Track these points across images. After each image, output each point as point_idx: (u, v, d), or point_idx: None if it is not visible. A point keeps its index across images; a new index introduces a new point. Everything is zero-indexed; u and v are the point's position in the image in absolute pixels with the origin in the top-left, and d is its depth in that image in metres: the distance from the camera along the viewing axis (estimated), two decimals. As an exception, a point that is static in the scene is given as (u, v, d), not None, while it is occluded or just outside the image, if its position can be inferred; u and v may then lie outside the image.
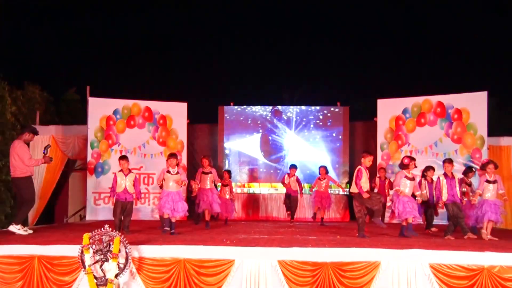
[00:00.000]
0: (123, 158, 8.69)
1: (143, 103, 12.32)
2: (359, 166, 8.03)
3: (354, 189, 7.97)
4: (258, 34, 16.76)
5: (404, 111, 11.93)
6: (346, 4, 16.82)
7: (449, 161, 8.60)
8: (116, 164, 10.89)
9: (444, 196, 8.22)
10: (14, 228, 7.72)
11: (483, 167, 8.37)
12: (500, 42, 15.32)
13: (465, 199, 8.82)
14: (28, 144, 8.46)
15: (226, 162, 13.33)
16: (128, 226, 8.39)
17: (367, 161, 8.01)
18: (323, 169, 10.96)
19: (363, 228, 7.93)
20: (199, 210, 9.81)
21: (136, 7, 16.71)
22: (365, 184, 7.89)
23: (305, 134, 13.24)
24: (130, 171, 8.58)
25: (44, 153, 8.33)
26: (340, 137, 13.09)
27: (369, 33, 16.27)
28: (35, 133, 8.47)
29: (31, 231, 8.04)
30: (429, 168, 9.28)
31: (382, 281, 6.00)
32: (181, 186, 8.45)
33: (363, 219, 7.98)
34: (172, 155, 8.51)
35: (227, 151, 13.37)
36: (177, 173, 8.30)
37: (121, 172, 8.49)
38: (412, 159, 8.38)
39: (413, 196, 8.21)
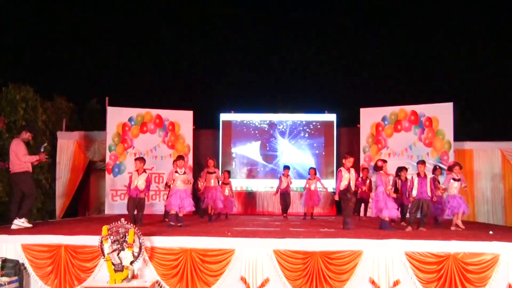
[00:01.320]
0: (138, 159, 8.58)
1: (154, 111, 12.34)
2: (340, 168, 8.02)
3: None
4: (256, 52, 16.91)
5: (383, 119, 11.99)
6: (331, 29, 16.99)
7: (422, 162, 8.61)
8: (130, 165, 10.93)
9: (414, 192, 8.25)
10: (19, 222, 7.39)
11: (451, 168, 8.45)
12: (465, 60, 15.58)
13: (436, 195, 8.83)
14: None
15: (233, 163, 13.29)
16: (141, 220, 8.30)
17: (347, 162, 8.00)
18: (313, 171, 10.95)
19: (348, 221, 7.96)
20: (204, 206, 9.78)
21: (150, 29, 16.80)
22: (345, 182, 7.88)
23: (297, 138, 13.24)
24: (144, 171, 8.47)
25: (40, 150, 8.04)
26: (327, 141, 13.09)
27: (352, 52, 16.40)
28: (33, 132, 8.25)
29: (30, 225, 7.68)
30: (402, 169, 9.24)
31: (364, 267, 6.05)
32: (189, 184, 8.44)
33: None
34: (180, 157, 8.44)
35: (233, 155, 13.34)
36: (184, 173, 8.26)
37: (135, 172, 8.45)
38: (384, 161, 8.41)
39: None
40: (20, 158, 7.59)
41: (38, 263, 6.33)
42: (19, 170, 7.62)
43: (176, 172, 8.26)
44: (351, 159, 8.07)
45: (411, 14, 16.33)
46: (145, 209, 8.54)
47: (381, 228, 7.96)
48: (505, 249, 5.99)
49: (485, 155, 11.69)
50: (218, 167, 12.08)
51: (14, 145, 7.68)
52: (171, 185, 8.36)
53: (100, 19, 16.20)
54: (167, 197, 8.64)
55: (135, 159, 8.66)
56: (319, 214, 12.27)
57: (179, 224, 8.12)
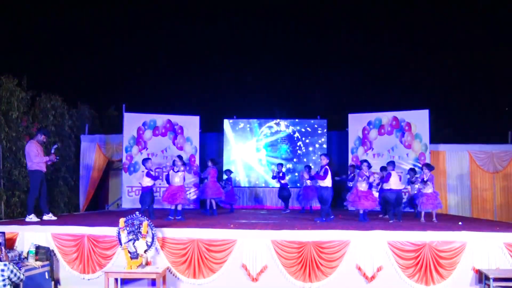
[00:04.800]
0: (146, 159, 8.62)
1: (165, 117, 12.29)
2: (326, 166, 7.98)
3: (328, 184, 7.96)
4: (257, 65, 16.98)
5: (369, 123, 11.96)
6: (320, 42, 17.07)
7: (392, 163, 8.66)
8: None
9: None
10: (28, 219, 7.34)
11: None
12: (442, 70, 15.74)
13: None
14: (45, 144, 7.99)
15: (235, 163, 13.15)
16: (153, 212, 8.26)
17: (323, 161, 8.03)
18: (307, 168, 10.93)
19: (330, 213, 7.98)
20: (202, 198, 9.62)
21: (162, 43, 16.86)
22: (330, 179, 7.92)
23: (292, 140, 13.19)
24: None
25: (52, 152, 7.88)
26: (319, 142, 13.01)
27: (341, 65, 16.46)
28: (47, 134, 8.12)
29: (54, 218, 7.66)
30: (384, 168, 9.07)
31: (351, 255, 6.08)
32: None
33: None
34: (178, 157, 8.42)
35: (236, 155, 13.18)
36: (178, 171, 8.22)
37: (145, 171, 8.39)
38: (364, 161, 8.39)
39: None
40: (32, 159, 7.51)
41: (65, 250, 6.40)
42: (31, 168, 7.59)
43: (172, 170, 8.23)
44: (324, 158, 8.07)
45: (398, 31, 16.47)
46: (156, 203, 8.51)
47: (360, 220, 7.97)
48: (471, 238, 6.09)
49: (456, 156, 11.82)
50: (220, 166, 12.10)
51: (27, 147, 7.63)
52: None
53: (119, 37, 16.35)
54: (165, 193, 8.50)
55: (144, 159, 8.71)
56: (313, 207, 12.19)
57: (177, 217, 8.05)
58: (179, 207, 8.18)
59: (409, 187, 8.99)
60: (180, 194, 8.09)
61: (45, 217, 7.58)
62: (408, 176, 9.06)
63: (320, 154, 8.56)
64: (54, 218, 7.68)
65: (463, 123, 14.26)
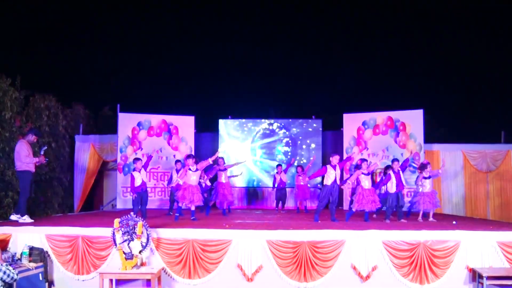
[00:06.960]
0: (137, 159, 8.38)
1: (160, 117, 12.27)
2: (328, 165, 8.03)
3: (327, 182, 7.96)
4: (252, 65, 17.02)
5: (364, 123, 11.99)
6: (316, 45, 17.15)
7: (396, 160, 8.67)
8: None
9: (393, 187, 8.24)
10: (14, 217, 7.11)
11: (424, 167, 8.41)
12: (436, 70, 15.88)
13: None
14: (34, 144, 7.85)
15: (230, 163, 13.05)
16: (145, 212, 8.04)
17: (334, 159, 8.04)
18: (300, 168, 10.98)
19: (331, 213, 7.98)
20: (216, 200, 9.57)
21: (155, 43, 16.83)
22: (332, 177, 7.87)
23: (287, 141, 13.20)
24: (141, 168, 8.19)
25: (41, 153, 7.65)
26: (315, 142, 13.01)
27: (336, 64, 16.52)
28: (38, 135, 7.92)
29: (31, 220, 7.31)
30: (388, 167, 9.06)
31: (346, 255, 6.10)
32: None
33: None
34: (189, 156, 8.17)
35: (229, 156, 13.14)
36: (196, 169, 7.95)
37: (136, 171, 8.18)
38: (364, 160, 8.41)
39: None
40: (21, 159, 7.32)
41: (59, 251, 6.36)
42: (20, 169, 7.38)
43: (189, 169, 8.01)
44: (337, 157, 8.10)
45: (390, 34, 16.55)
46: (151, 204, 8.43)
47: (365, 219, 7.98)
48: (465, 237, 6.14)
49: (450, 155, 11.89)
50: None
51: (18, 146, 7.42)
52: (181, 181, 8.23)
53: (114, 37, 16.32)
54: (181, 192, 8.05)
55: (134, 159, 8.46)
56: (309, 207, 12.19)
57: (192, 218, 7.94)
58: (192, 207, 8.07)
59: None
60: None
61: (13, 217, 7.17)
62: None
63: (332, 153, 8.54)
64: (29, 220, 7.20)
65: (457, 123, 14.35)
